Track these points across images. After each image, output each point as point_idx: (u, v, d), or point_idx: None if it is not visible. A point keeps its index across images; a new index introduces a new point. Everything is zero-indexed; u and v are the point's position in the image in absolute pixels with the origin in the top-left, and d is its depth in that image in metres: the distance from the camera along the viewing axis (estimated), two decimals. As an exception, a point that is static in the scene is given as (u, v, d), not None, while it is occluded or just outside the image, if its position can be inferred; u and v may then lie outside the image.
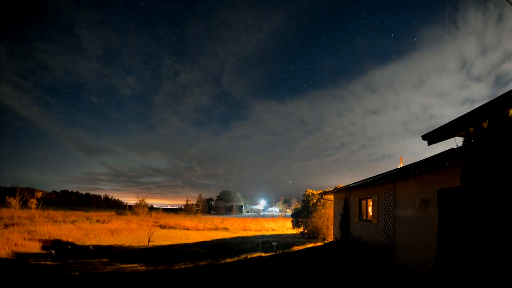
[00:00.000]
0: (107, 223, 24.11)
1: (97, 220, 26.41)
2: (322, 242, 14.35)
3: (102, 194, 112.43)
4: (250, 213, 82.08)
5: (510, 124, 2.74)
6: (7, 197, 27.96)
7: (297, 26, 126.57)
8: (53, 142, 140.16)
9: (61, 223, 21.26)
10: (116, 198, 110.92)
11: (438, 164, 5.08)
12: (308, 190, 20.84)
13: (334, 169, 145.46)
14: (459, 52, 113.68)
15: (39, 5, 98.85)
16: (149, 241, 15.48)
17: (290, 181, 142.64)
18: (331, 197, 16.00)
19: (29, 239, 13.03)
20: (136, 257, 10.98)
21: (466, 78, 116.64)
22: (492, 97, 2.85)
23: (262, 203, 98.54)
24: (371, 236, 9.06)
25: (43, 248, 12.31)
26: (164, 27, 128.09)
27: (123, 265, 8.92)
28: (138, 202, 34.12)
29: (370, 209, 9.88)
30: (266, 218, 49.83)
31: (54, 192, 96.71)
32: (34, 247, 12.14)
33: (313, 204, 19.40)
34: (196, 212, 67.26)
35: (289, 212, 65.07)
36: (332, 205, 15.77)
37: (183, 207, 74.03)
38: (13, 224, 18.77)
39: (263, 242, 16.11)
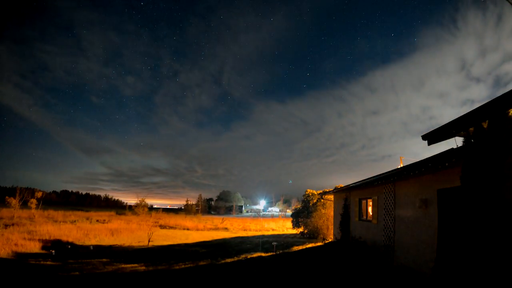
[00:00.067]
0: (107, 223, 24.11)
1: (97, 220, 26.40)
2: (322, 242, 14.34)
3: (103, 194, 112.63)
4: (250, 213, 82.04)
5: (510, 124, 2.74)
6: (7, 197, 27.96)
7: (297, 26, 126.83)
8: (53, 142, 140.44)
9: (61, 223, 21.25)
10: (116, 198, 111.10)
11: (438, 164, 5.07)
12: (308, 190, 20.84)
13: (334, 169, 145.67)
14: (459, 53, 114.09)
15: (39, 5, 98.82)
16: (149, 241, 15.48)
17: (290, 181, 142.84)
18: (331, 197, 16.00)
19: (29, 239, 13.03)
20: (136, 257, 10.98)
21: (466, 79, 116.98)
22: (492, 98, 2.85)
23: (262, 203, 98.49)
24: (371, 236, 9.06)
25: (43, 248, 12.31)
26: (164, 27, 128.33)
27: (123, 265, 8.92)
28: (138, 202, 34.15)
29: (370, 209, 9.88)
30: (266, 218, 49.82)
31: (54, 192, 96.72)
32: (34, 247, 12.14)
33: (313, 204, 19.40)
34: (196, 212, 67.23)
35: (289, 212, 65.06)
36: (332, 205, 15.76)
37: (183, 207, 73.98)
38: (13, 224, 18.77)
39: (263, 242, 16.11)
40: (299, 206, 22.80)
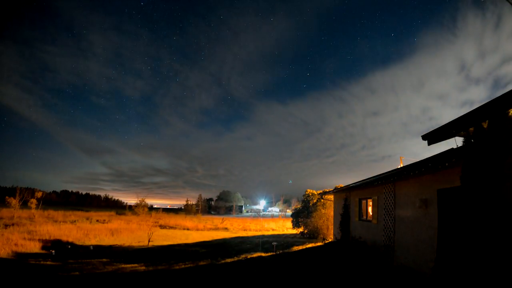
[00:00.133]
0: (107, 223, 24.11)
1: (97, 220, 26.39)
2: (322, 242, 14.34)
3: (103, 194, 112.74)
4: (250, 213, 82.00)
5: (510, 124, 2.74)
6: (7, 197, 27.97)
7: (297, 26, 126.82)
8: (53, 142, 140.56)
9: (61, 223, 21.25)
10: (116, 198, 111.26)
11: (438, 164, 5.07)
12: (308, 190, 20.84)
13: (334, 169, 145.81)
14: (459, 54, 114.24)
15: (40, 6, 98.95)
16: (149, 241, 15.48)
17: (290, 181, 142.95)
18: (331, 197, 15.99)
19: (29, 239, 13.03)
20: (136, 257, 10.98)
21: (465, 80, 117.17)
22: (491, 99, 2.85)
23: (262, 203, 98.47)
24: (371, 236, 9.06)
25: (43, 248, 12.31)
26: (164, 27, 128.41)
27: (123, 265, 8.92)
28: (138, 202, 34.16)
29: (370, 209, 9.88)
30: (266, 218, 49.81)
31: (54, 192, 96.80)
32: (34, 247, 12.14)
33: (313, 204, 19.39)
34: (196, 212, 67.20)
35: (289, 212, 65.05)
36: (332, 205, 15.76)
37: (183, 207, 73.97)
38: (13, 224, 18.77)
39: (263, 242, 16.11)
40: (299, 206, 22.79)
